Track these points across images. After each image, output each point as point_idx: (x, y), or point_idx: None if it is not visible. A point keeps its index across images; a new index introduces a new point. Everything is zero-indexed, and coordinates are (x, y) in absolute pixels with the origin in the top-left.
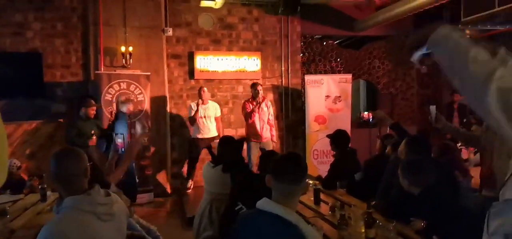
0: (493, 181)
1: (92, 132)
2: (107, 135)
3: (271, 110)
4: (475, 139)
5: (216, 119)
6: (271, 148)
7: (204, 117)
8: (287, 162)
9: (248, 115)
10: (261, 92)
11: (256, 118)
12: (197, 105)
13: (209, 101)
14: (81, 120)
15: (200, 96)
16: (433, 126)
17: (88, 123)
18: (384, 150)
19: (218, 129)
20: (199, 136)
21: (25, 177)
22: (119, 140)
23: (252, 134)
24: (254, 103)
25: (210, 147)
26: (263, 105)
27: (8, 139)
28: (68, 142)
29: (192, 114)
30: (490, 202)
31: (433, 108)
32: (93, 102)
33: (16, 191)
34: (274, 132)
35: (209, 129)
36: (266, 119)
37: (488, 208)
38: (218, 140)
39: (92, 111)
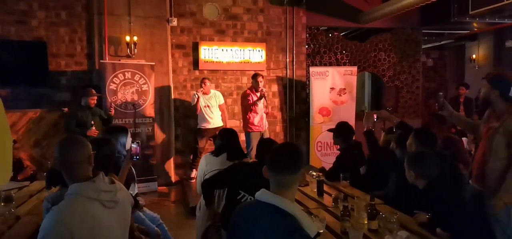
0: (482, 175)
1: (92, 122)
2: (108, 124)
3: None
4: (477, 128)
5: (220, 107)
6: (267, 136)
7: (207, 106)
8: (283, 153)
9: (249, 107)
10: (261, 83)
11: (257, 109)
12: (198, 95)
13: (211, 90)
14: (81, 110)
15: (202, 84)
16: (439, 113)
17: (88, 113)
18: (388, 143)
19: (223, 119)
20: (204, 126)
21: (28, 163)
22: (134, 146)
23: (252, 124)
24: (257, 95)
25: (216, 137)
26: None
27: (13, 127)
28: (67, 131)
29: (194, 102)
30: (478, 196)
31: (440, 95)
32: (94, 91)
33: (16, 172)
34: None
35: (213, 118)
36: (263, 109)
37: (477, 201)
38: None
39: (92, 101)
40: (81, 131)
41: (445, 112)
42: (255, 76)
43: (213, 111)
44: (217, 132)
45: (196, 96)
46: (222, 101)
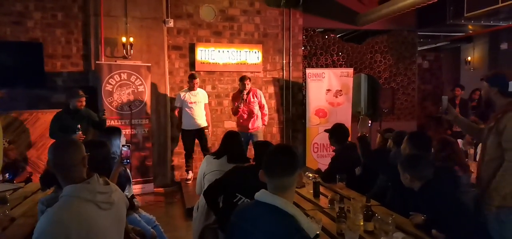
0: (479, 177)
1: (78, 126)
2: (100, 128)
3: (263, 100)
4: (481, 133)
5: (205, 106)
6: (261, 137)
7: (194, 102)
8: (278, 155)
9: (233, 111)
10: (247, 86)
11: (243, 111)
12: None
13: (198, 88)
14: (67, 112)
15: (192, 82)
16: (443, 117)
17: (74, 116)
18: (385, 144)
19: (207, 118)
20: (187, 127)
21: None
22: (124, 149)
23: (240, 125)
24: (240, 98)
25: (202, 136)
26: (251, 96)
27: (9, 128)
28: (51, 136)
29: (177, 104)
30: (476, 197)
31: (445, 98)
32: (81, 92)
33: (13, 173)
34: (266, 118)
35: (198, 115)
36: (255, 110)
37: (475, 202)
38: (206, 130)
39: (79, 103)
40: (63, 136)
41: (450, 115)
42: (241, 79)
43: (197, 109)
44: (201, 132)
45: (182, 97)
46: (207, 101)
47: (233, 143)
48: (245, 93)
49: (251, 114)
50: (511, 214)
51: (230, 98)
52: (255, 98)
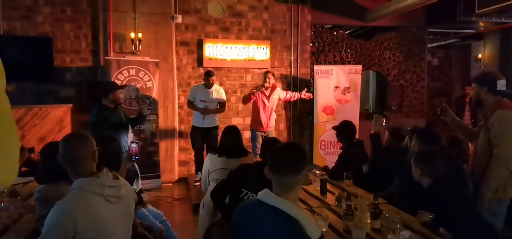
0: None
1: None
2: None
3: (282, 95)
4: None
5: (219, 104)
6: (273, 135)
7: (205, 101)
8: (285, 153)
9: (245, 98)
10: (270, 80)
11: (260, 107)
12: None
13: (214, 85)
14: (108, 110)
15: (208, 80)
16: (441, 118)
17: (117, 112)
18: (393, 142)
19: (220, 117)
20: (197, 124)
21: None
22: (133, 146)
23: (256, 122)
24: (261, 90)
25: (210, 138)
26: (274, 95)
27: (19, 123)
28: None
29: (191, 98)
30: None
31: (443, 99)
32: (118, 84)
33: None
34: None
35: (209, 114)
36: (273, 109)
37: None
38: (216, 131)
39: (122, 95)
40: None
41: (447, 117)
42: (264, 74)
43: (210, 107)
44: (209, 132)
45: (195, 92)
46: (223, 97)
47: (232, 138)
48: (265, 85)
49: (267, 112)
50: (503, 206)
51: (239, 94)
52: (276, 96)
